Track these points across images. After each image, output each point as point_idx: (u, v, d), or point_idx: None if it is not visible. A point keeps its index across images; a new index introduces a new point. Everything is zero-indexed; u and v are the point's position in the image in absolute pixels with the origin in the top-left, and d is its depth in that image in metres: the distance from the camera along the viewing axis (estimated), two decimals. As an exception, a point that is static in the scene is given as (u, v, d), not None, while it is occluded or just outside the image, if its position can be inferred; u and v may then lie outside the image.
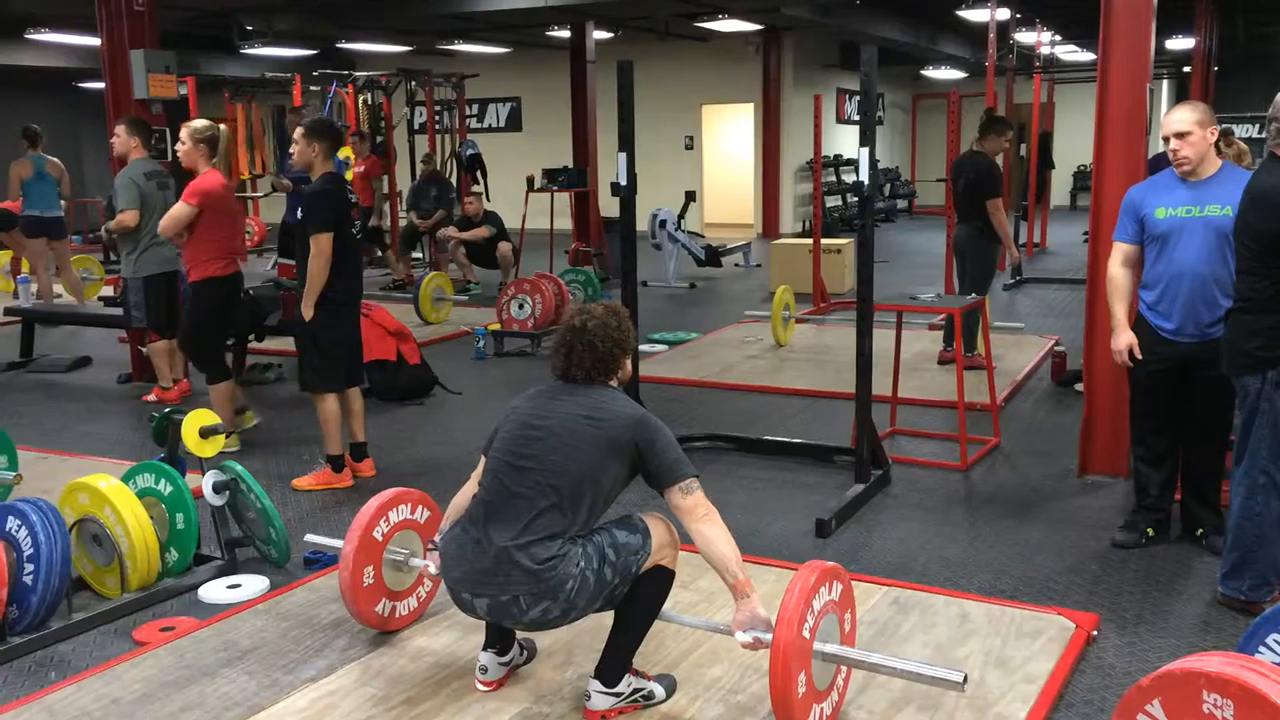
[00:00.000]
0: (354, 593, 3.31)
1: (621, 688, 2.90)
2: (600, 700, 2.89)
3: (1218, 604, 3.61)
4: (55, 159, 9.83)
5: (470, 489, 3.05)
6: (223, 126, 5.58)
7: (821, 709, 2.74)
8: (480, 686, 3.08)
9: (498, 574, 2.73)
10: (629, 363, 3.00)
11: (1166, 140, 3.84)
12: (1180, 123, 3.80)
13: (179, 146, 5.42)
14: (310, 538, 3.82)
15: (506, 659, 3.11)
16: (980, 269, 6.97)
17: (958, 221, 7.17)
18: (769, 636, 2.64)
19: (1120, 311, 4.01)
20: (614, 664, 2.89)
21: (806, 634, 2.64)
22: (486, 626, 3.08)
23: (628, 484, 2.90)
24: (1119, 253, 4.05)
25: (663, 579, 2.89)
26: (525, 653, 3.22)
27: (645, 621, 2.91)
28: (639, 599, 2.86)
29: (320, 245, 4.72)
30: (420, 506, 3.54)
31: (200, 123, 5.47)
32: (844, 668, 2.86)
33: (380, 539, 3.39)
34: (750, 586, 2.76)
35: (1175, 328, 3.89)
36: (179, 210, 5.31)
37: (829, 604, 2.76)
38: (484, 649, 3.09)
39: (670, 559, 2.90)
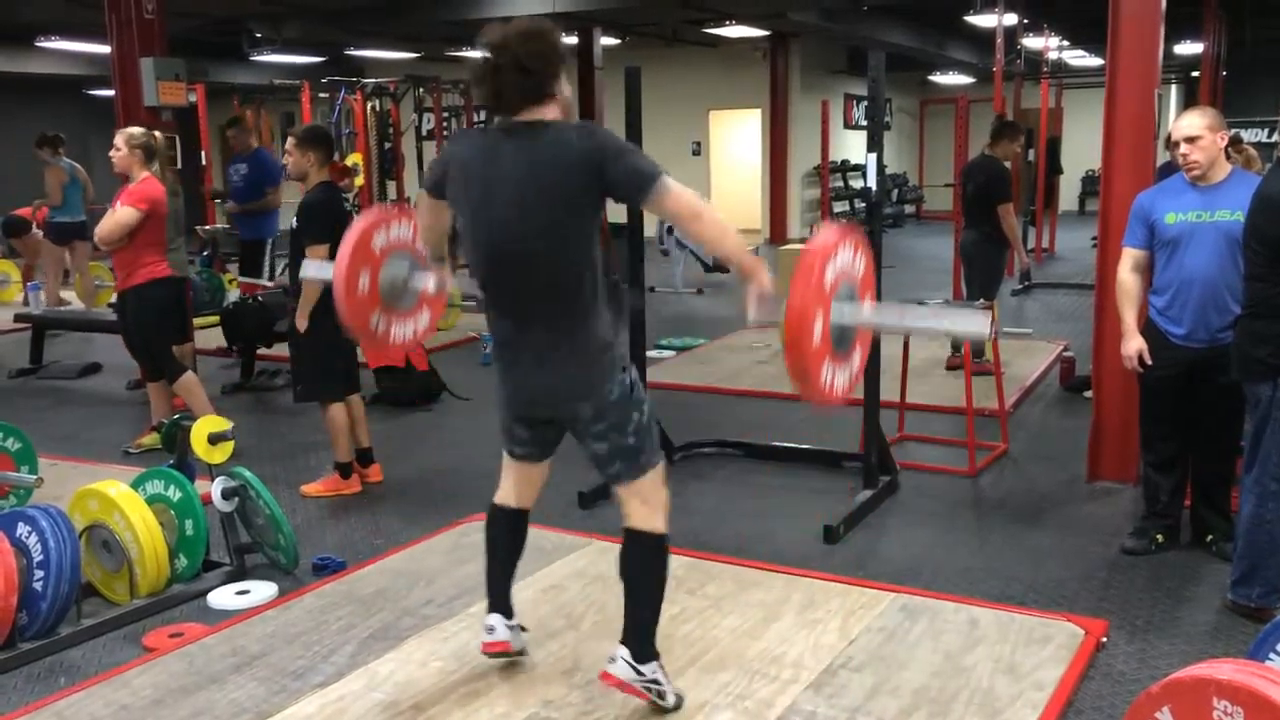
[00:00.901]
0: (347, 295, 3.24)
1: (647, 670, 2.89)
2: (624, 670, 2.87)
3: (1228, 611, 3.59)
4: (77, 164, 9.85)
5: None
6: (158, 133, 5.57)
7: (835, 371, 2.70)
8: (486, 649, 3.13)
9: (543, 376, 2.80)
10: (567, 85, 2.76)
11: (1176, 145, 3.84)
12: (1190, 127, 3.79)
13: (114, 153, 5.39)
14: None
15: (513, 622, 3.15)
16: (989, 274, 6.97)
17: (966, 226, 7.17)
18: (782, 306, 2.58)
19: (1130, 317, 4.00)
20: (640, 639, 2.89)
21: (826, 287, 2.61)
22: (489, 594, 3.14)
23: (590, 211, 2.74)
24: (1128, 258, 4.04)
25: (659, 549, 2.91)
26: (525, 632, 3.27)
27: (656, 590, 2.92)
28: (644, 567, 2.89)
29: (315, 256, 4.71)
30: None
31: (135, 130, 5.49)
32: (859, 348, 2.84)
33: (378, 251, 3.31)
34: (760, 266, 2.67)
35: (1185, 333, 3.88)
36: (128, 216, 5.26)
37: (845, 272, 2.71)
38: (489, 612, 3.14)
39: (662, 521, 2.92)
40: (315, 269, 4.11)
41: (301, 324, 4.79)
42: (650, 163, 2.66)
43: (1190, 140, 3.78)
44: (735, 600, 3.71)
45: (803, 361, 2.58)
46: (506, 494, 3.15)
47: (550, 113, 2.72)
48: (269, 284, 8.16)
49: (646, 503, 2.90)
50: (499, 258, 2.77)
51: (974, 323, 2.62)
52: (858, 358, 2.85)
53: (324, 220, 4.73)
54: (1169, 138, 4.34)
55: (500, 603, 3.14)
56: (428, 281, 3.29)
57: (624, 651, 2.88)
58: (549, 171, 2.65)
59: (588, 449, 2.90)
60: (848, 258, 2.74)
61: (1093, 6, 6.00)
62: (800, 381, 2.63)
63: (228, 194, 8.89)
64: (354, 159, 12.69)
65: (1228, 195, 3.79)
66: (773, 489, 5.08)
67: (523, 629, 3.25)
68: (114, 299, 5.65)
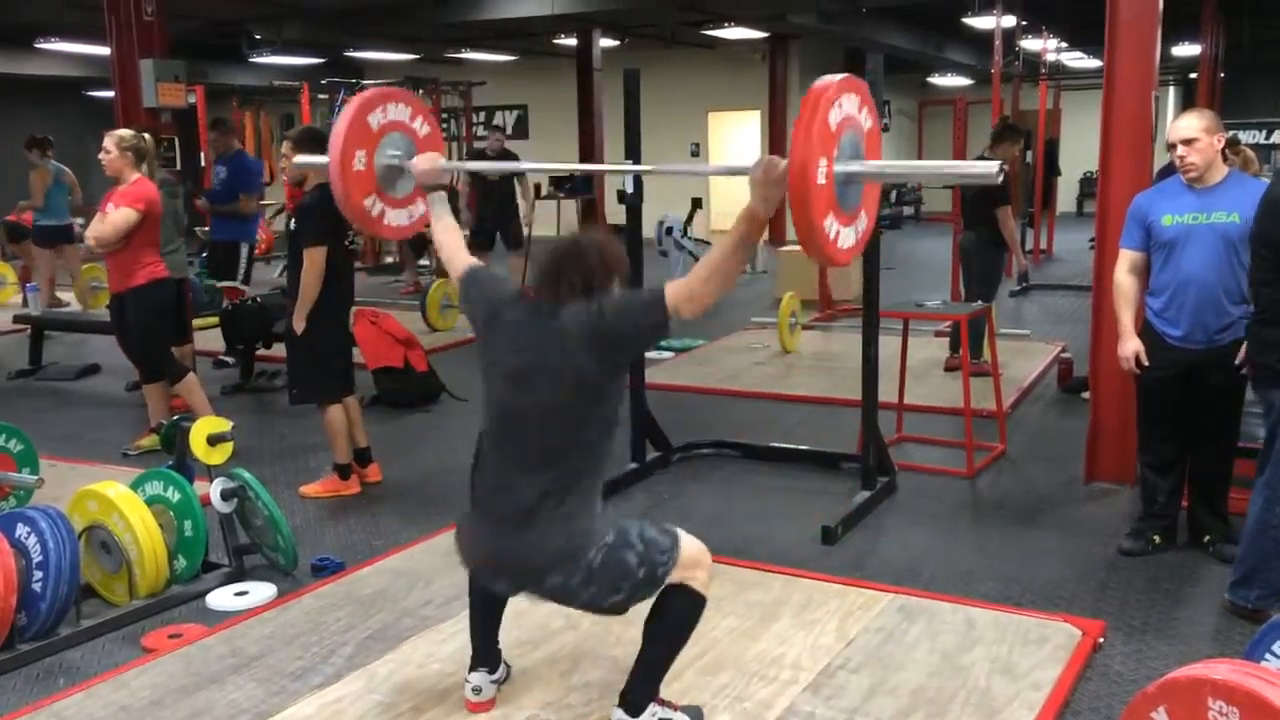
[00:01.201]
0: (343, 173, 3.23)
1: (645, 717, 2.79)
2: None
3: (1225, 611, 3.60)
4: (64, 167, 9.85)
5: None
6: (147, 135, 5.56)
7: (839, 228, 2.61)
8: (472, 709, 3.02)
9: (516, 544, 2.63)
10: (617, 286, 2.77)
11: (1174, 147, 3.84)
12: (1188, 129, 3.80)
13: (103, 155, 5.36)
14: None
15: (496, 677, 3.07)
16: (987, 276, 7.00)
17: (965, 228, 7.19)
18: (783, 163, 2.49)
19: (1127, 318, 4.01)
20: (640, 689, 2.79)
21: (831, 127, 2.51)
22: (474, 644, 3.05)
23: (611, 390, 2.67)
24: (1125, 260, 4.05)
25: (693, 599, 2.75)
26: (508, 670, 3.17)
27: (672, 644, 2.80)
28: (666, 616, 2.75)
29: (313, 258, 4.70)
30: (420, 117, 3.46)
31: (125, 132, 5.46)
32: (865, 211, 2.75)
33: (375, 128, 3.29)
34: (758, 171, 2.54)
35: (1183, 334, 3.89)
36: (125, 217, 5.25)
37: (849, 120, 2.60)
38: (473, 669, 3.03)
39: (701, 582, 2.76)
40: (309, 159, 3.99)
41: (299, 325, 4.79)
42: (645, 297, 2.61)
43: (1187, 142, 3.79)
44: (734, 601, 3.72)
45: (807, 207, 2.45)
46: None
47: None
48: (243, 286, 8.10)
49: (690, 570, 2.75)
50: (503, 418, 2.72)
51: (980, 168, 2.57)
52: (865, 220, 2.75)
53: (321, 222, 4.69)
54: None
55: (485, 656, 3.04)
56: (420, 161, 3.26)
57: (619, 714, 2.79)
58: (560, 352, 2.60)
59: (599, 610, 2.72)
60: (853, 107, 2.62)
61: (1091, 8, 6.01)
62: (804, 230, 2.51)
63: (203, 194, 8.75)
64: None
65: (1225, 197, 3.81)
66: (771, 490, 5.08)
67: (508, 667, 3.16)
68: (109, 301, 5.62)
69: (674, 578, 2.72)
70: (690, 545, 2.78)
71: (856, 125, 2.64)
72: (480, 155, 10.08)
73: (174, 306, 5.73)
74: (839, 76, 2.59)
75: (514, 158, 10.21)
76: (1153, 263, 3.98)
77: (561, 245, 2.73)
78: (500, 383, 2.71)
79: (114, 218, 5.27)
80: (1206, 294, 3.82)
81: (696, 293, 2.56)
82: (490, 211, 10.00)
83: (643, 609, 2.77)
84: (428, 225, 3.34)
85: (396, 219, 3.46)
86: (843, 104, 2.57)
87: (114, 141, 5.37)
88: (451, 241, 3.13)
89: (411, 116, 3.43)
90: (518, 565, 2.67)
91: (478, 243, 10.02)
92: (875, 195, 2.86)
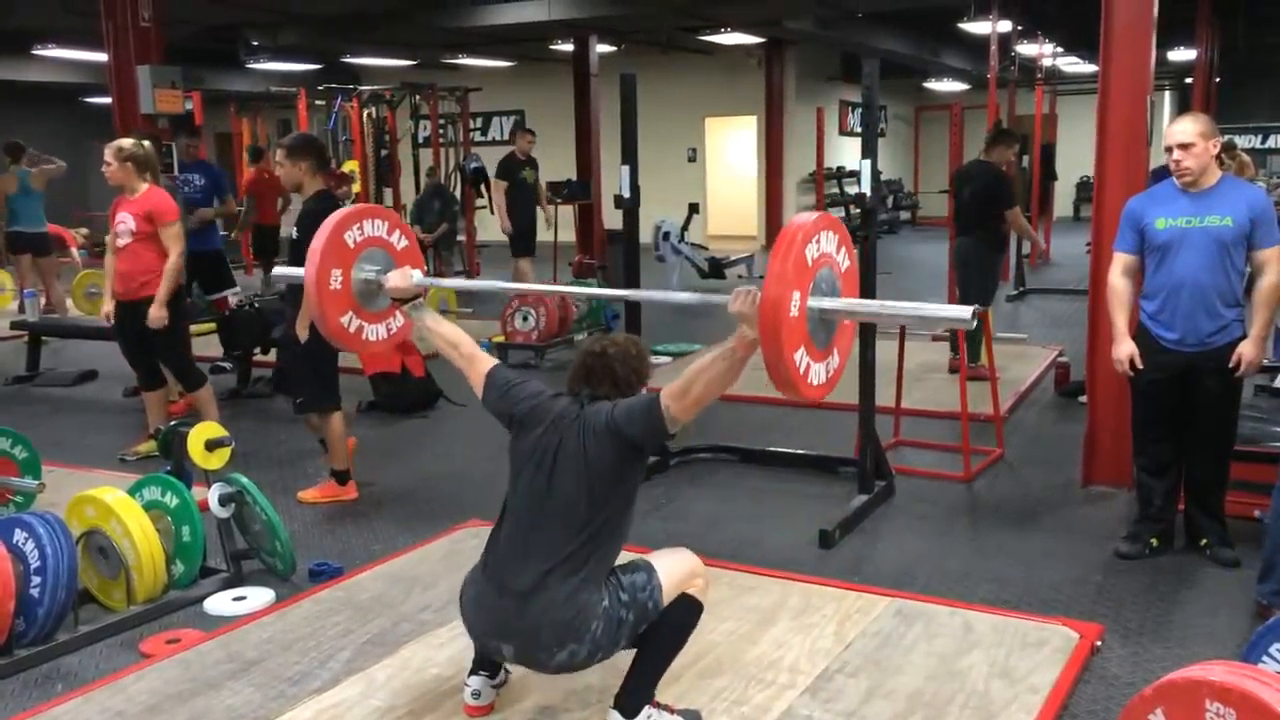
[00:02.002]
0: (319, 291, 3.24)
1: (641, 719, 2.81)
2: None
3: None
4: (42, 167, 9.45)
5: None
6: (146, 143, 5.53)
7: (810, 363, 2.63)
8: (470, 713, 3.03)
9: (522, 619, 2.70)
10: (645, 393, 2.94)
11: (1169, 150, 3.85)
12: (1183, 134, 3.81)
13: (105, 168, 5.33)
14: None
15: (496, 681, 3.08)
16: (985, 280, 7.01)
17: (960, 232, 7.19)
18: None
19: (1121, 321, 4.02)
20: (635, 692, 2.81)
21: (806, 262, 2.54)
22: (476, 651, 3.04)
23: (628, 475, 2.79)
24: (1119, 263, 4.07)
25: (691, 606, 2.82)
26: (507, 675, 3.16)
27: (668, 648, 2.84)
28: (664, 621, 2.79)
29: None
30: (398, 231, 3.48)
31: (125, 142, 5.42)
32: (839, 347, 2.79)
33: (351, 245, 3.31)
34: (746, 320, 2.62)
35: (1177, 338, 3.90)
36: (177, 234, 5.33)
37: (825, 257, 2.65)
38: (473, 673, 3.04)
39: (699, 589, 2.84)
40: (286, 271, 4.03)
41: (301, 334, 4.79)
42: (643, 401, 2.75)
43: (1183, 147, 3.81)
44: (731, 605, 3.72)
45: (778, 340, 2.49)
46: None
47: None
48: (236, 293, 8.05)
49: (687, 581, 2.83)
50: (529, 497, 2.79)
51: (954, 311, 2.56)
52: (837, 357, 2.79)
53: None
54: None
55: (486, 660, 3.04)
56: (393, 277, 3.27)
57: (614, 716, 2.81)
58: (584, 445, 2.74)
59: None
60: (831, 246, 2.68)
61: (1086, 14, 6.03)
62: (773, 362, 2.53)
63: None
64: (350, 166, 12.72)
65: (1218, 201, 3.82)
66: (768, 494, 5.09)
67: (507, 672, 3.15)
68: (109, 307, 5.58)
69: (672, 594, 2.79)
70: (679, 564, 2.86)
71: (833, 263, 2.70)
72: (509, 159, 10.02)
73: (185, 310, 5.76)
74: (815, 215, 2.66)
75: (535, 162, 10.21)
76: (1146, 266, 4.00)
77: (589, 357, 2.90)
78: (529, 466, 2.81)
79: (173, 246, 5.31)
80: (1200, 297, 3.83)
81: (688, 393, 2.65)
82: (525, 219, 9.98)
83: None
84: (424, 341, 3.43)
85: (375, 333, 3.47)
86: (820, 241, 2.62)
87: (113, 153, 5.35)
88: (461, 339, 3.17)
89: (389, 230, 3.45)
90: (523, 639, 2.73)
91: (520, 251, 10.01)
92: (849, 334, 2.88)
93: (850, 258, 2.79)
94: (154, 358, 5.61)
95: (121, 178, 5.34)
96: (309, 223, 4.74)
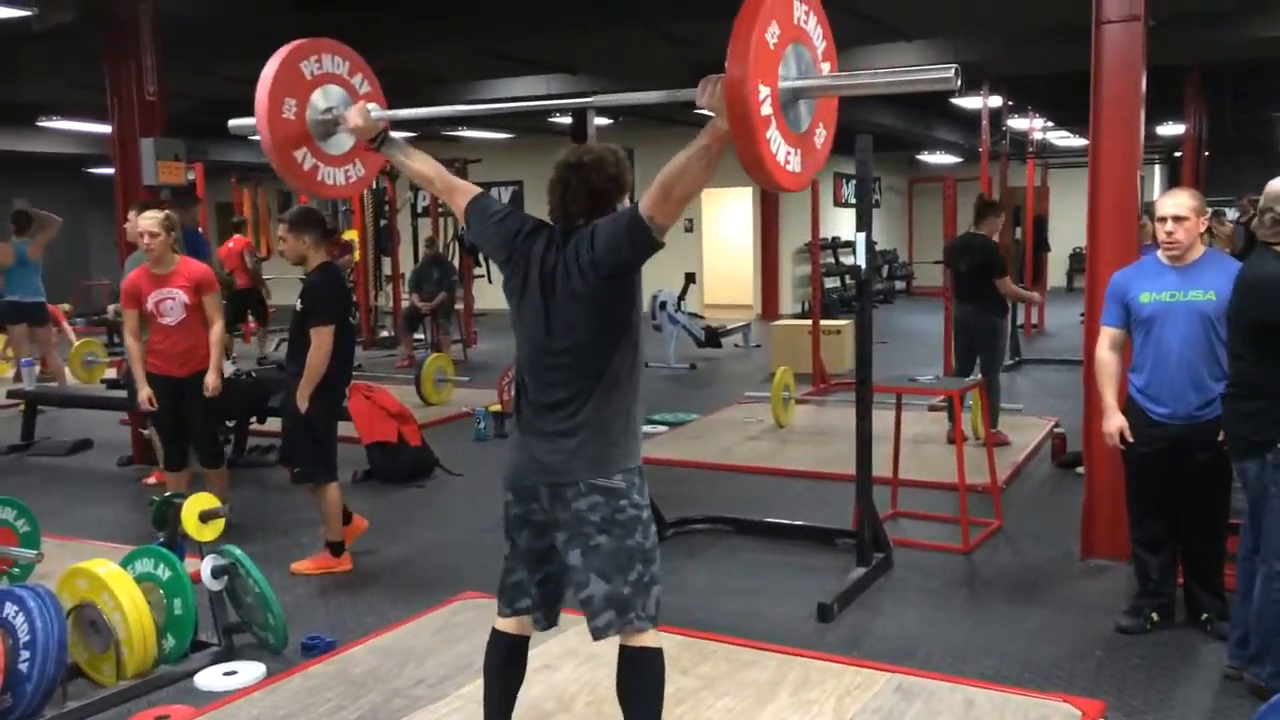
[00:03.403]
0: (270, 118, 3.03)
1: None
2: None
3: (1227, 689, 3.57)
4: (37, 238, 9.38)
5: None
6: (170, 213, 5.39)
7: (787, 152, 2.46)
8: None
9: (555, 447, 2.70)
10: (627, 200, 2.82)
11: (1163, 221, 3.88)
12: (1179, 206, 3.85)
13: (150, 239, 5.15)
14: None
15: None
16: (994, 348, 7.16)
17: (963, 301, 7.22)
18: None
19: (1109, 394, 4.03)
20: None
21: (769, 40, 2.33)
22: (487, 715, 2.98)
23: (626, 294, 2.72)
24: (1106, 337, 4.09)
25: (660, 660, 2.82)
26: None
27: (656, 699, 2.83)
28: (645, 683, 2.79)
29: (322, 338, 4.74)
30: (360, 75, 3.28)
31: (157, 212, 5.27)
32: (821, 127, 2.61)
33: (308, 77, 3.11)
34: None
35: (1167, 412, 3.91)
36: (218, 303, 5.31)
37: (794, 31, 2.44)
38: None
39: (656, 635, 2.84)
40: (241, 121, 3.49)
41: (303, 404, 4.79)
42: (624, 218, 2.63)
43: (1178, 220, 3.84)
44: (729, 680, 3.67)
45: (746, 127, 2.31)
46: (508, 621, 2.92)
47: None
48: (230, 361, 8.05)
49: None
50: (533, 347, 2.78)
51: (935, 72, 2.33)
52: (821, 136, 2.62)
53: (331, 301, 4.81)
54: (1150, 210, 4.39)
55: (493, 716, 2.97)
56: (352, 114, 3.08)
57: None
58: (572, 280, 2.69)
59: (578, 562, 2.73)
60: (801, 14, 2.49)
61: (1075, 92, 6.14)
62: (748, 155, 2.38)
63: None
64: (350, 235, 12.83)
65: (1201, 275, 3.86)
66: (765, 566, 5.05)
67: None
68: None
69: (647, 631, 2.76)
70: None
71: (805, 37, 2.51)
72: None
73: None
74: None
75: None
76: (1133, 340, 4.02)
77: (565, 169, 2.76)
78: (528, 313, 2.76)
79: (219, 314, 5.29)
80: (1186, 371, 3.85)
81: (669, 196, 2.55)
82: None
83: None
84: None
85: (333, 177, 3.28)
86: (793, 12, 2.44)
87: (162, 223, 5.16)
88: (435, 172, 3.05)
89: (350, 71, 3.26)
90: (554, 470, 2.71)
91: None
92: (832, 106, 2.68)
93: (822, 25, 2.60)
94: (189, 437, 5.44)
95: (164, 250, 5.21)
96: (317, 295, 4.80)
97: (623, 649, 2.80)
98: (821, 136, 2.66)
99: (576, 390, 2.71)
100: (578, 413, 2.70)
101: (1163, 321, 3.88)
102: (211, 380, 5.25)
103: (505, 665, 2.94)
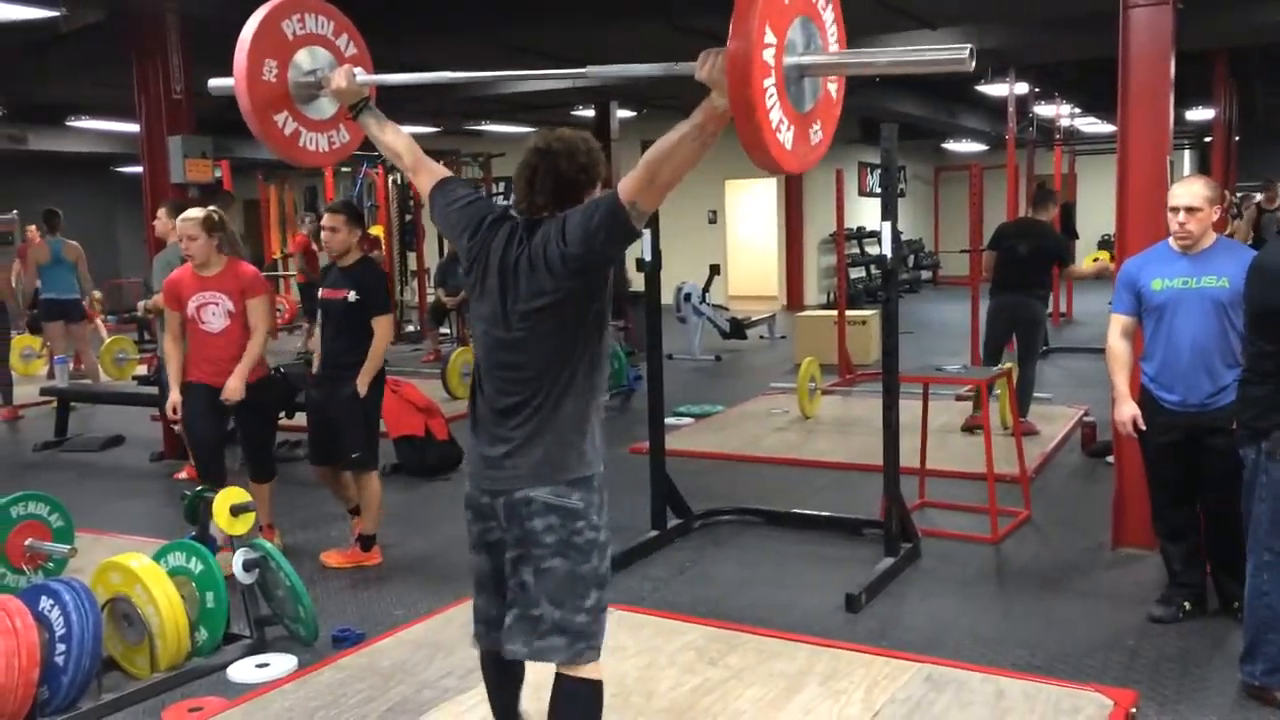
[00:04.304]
0: (250, 80, 2.91)
1: None
2: None
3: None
4: (74, 242, 9.70)
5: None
6: (216, 212, 4.98)
7: (790, 127, 2.31)
8: None
9: (507, 454, 2.55)
10: (599, 190, 2.62)
11: (1175, 211, 3.84)
12: (1193, 198, 3.81)
13: (190, 243, 4.78)
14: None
15: None
16: (1035, 336, 7.23)
17: (1009, 288, 7.00)
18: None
19: (1121, 382, 4.00)
20: None
21: (770, 39, 2.18)
22: (495, 716, 2.94)
23: (595, 290, 2.54)
24: (1117, 325, 4.06)
25: (601, 695, 2.66)
26: None
27: None
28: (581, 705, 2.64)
29: (385, 327, 4.87)
30: (346, 35, 3.16)
31: (197, 211, 4.87)
32: (832, 94, 2.47)
33: (290, 38, 3.00)
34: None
35: (1178, 399, 3.88)
36: (270, 309, 5.08)
37: (802, 3, 2.30)
38: None
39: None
40: (220, 81, 3.27)
41: (363, 390, 4.80)
42: (601, 204, 2.46)
43: (1190, 210, 3.80)
44: (757, 671, 3.67)
45: (748, 104, 2.17)
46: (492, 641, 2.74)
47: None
48: None
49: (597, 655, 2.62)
50: (490, 345, 2.64)
51: (949, 53, 2.18)
52: (821, 124, 2.47)
53: (385, 292, 5.03)
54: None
55: None
56: (337, 75, 2.97)
57: None
58: (536, 275, 2.53)
59: (530, 579, 2.55)
60: None
61: (1103, 77, 6.08)
62: (748, 133, 2.22)
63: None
64: (376, 231, 12.90)
65: (1213, 263, 3.82)
66: (793, 556, 5.04)
67: None
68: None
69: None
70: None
71: (812, 10, 2.37)
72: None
73: None
74: None
75: None
76: (1144, 327, 3.99)
77: (533, 154, 2.59)
78: (486, 309, 2.62)
79: (264, 321, 4.89)
80: (1198, 358, 3.82)
81: (655, 180, 2.39)
82: None
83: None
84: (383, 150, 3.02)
85: (315, 143, 3.16)
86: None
87: (202, 225, 4.78)
88: (406, 148, 2.91)
89: (335, 32, 3.14)
90: (507, 477, 2.56)
91: None
92: (832, 109, 2.54)
93: (838, 22, 2.46)
94: (223, 446, 5.11)
95: (206, 253, 4.83)
96: (378, 286, 4.95)
97: (562, 680, 2.61)
98: (818, 135, 2.50)
99: (533, 391, 2.55)
100: (534, 415, 2.55)
101: (1174, 309, 3.85)
102: (232, 384, 4.77)
103: (498, 685, 2.87)
